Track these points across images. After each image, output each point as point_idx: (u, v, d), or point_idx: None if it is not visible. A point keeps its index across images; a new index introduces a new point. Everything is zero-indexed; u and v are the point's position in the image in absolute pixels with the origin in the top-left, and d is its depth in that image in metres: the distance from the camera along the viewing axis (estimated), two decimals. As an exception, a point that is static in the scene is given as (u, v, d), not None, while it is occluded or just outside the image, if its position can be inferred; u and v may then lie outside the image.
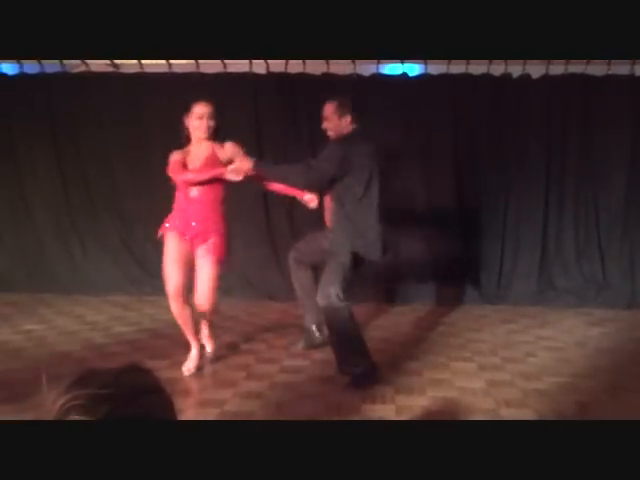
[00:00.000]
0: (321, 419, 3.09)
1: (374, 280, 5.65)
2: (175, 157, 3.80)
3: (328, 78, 5.59)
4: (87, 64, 5.69)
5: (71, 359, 3.99)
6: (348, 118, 3.88)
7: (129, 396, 0.95)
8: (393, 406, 3.36)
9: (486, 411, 3.27)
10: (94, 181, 5.91)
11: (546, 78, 5.54)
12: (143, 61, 5.58)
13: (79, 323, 4.90)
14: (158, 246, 5.90)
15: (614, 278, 5.67)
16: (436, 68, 5.62)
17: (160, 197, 5.87)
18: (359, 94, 5.55)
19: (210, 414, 3.18)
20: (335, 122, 3.90)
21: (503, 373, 3.89)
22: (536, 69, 5.51)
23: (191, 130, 3.83)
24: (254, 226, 5.82)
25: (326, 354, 4.18)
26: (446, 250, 5.71)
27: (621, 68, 5.45)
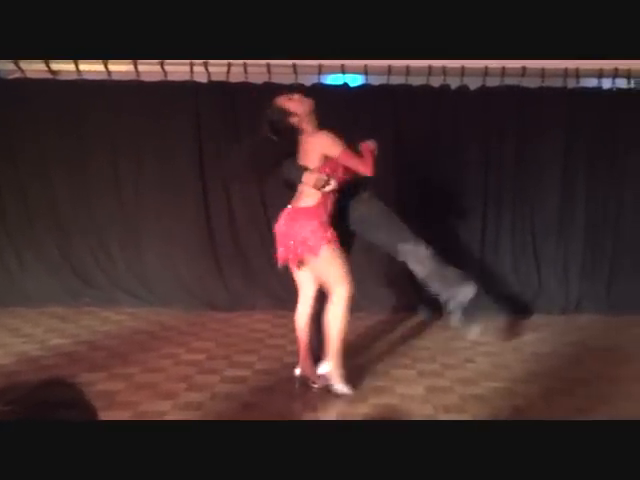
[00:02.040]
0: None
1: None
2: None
3: (270, 87, 5.59)
4: (23, 70, 5.54)
5: (2, 373, 3.88)
6: None
7: (36, 412, 0.93)
8: (334, 414, 3.38)
9: (425, 417, 3.32)
10: (30, 190, 5.75)
11: (483, 90, 5.67)
12: (81, 68, 5.46)
13: (14, 336, 4.75)
14: (97, 256, 5.84)
15: (549, 284, 5.82)
16: (377, 79, 5.69)
17: (99, 206, 5.79)
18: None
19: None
20: None
21: (442, 379, 3.95)
22: (473, 81, 5.64)
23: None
24: (195, 235, 5.77)
25: (267, 364, 4.18)
26: (386, 259, 5.76)
27: (554, 81, 5.62)
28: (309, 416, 3.34)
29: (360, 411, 3.43)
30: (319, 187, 3.51)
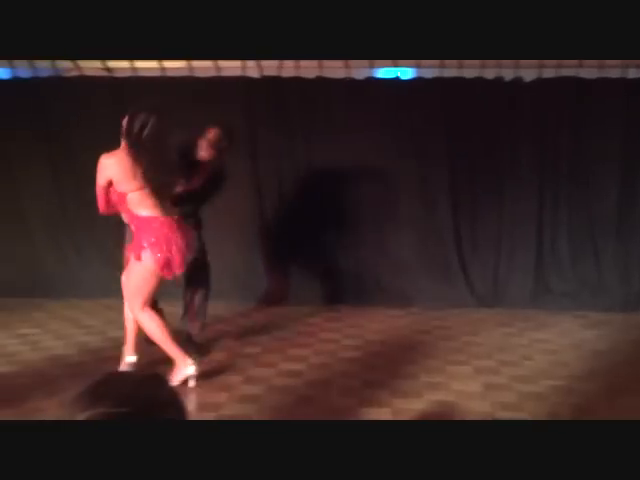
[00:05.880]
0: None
1: (370, 282, 5.66)
2: None
3: (322, 81, 5.59)
4: (80, 68, 5.64)
5: (67, 363, 3.99)
6: None
7: (146, 411, 0.92)
8: (389, 409, 3.37)
9: (482, 414, 3.28)
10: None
11: (538, 81, 5.55)
12: (135, 65, 5.53)
13: (75, 327, 4.86)
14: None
15: (608, 281, 5.67)
16: (429, 72, 5.62)
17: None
18: (353, 97, 5.58)
19: (206, 418, 3.18)
20: None
21: (499, 376, 3.90)
22: (528, 72, 5.52)
23: None
24: (246, 228, 5.77)
25: (323, 358, 4.18)
26: (441, 253, 5.72)
27: (612, 72, 5.46)
28: (363, 411, 3.33)
29: (415, 407, 3.40)
30: None
